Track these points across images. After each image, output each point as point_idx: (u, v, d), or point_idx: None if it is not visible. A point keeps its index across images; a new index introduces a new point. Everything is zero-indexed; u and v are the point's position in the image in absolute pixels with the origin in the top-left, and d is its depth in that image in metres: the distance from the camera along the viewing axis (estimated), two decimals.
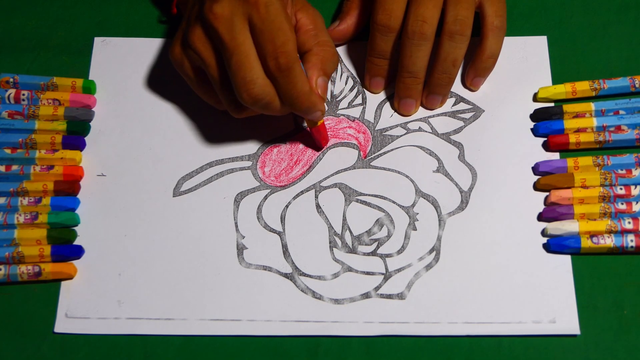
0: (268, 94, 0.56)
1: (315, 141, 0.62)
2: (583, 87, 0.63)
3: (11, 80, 0.65)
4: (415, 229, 0.59)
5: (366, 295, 0.57)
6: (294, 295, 0.57)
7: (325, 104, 0.60)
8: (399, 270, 0.58)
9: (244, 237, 0.60)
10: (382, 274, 0.58)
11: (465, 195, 0.60)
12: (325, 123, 0.64)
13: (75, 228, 0.60)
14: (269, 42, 0.55)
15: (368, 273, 0.58)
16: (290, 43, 0.55)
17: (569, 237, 0.58)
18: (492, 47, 0.62)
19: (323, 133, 0.61)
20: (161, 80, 0.66)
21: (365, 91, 0.65)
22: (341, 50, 0.67)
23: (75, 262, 0.59)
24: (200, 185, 0.61)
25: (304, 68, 0.58)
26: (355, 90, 0.65)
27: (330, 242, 0.59)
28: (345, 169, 0.62)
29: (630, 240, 0.57)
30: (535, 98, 0.64)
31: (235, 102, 0.58)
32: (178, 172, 0.62)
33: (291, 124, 0.64)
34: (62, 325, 0.57)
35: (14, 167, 0.61)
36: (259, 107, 0.57)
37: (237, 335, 0.56)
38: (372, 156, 0.62)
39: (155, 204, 0.61)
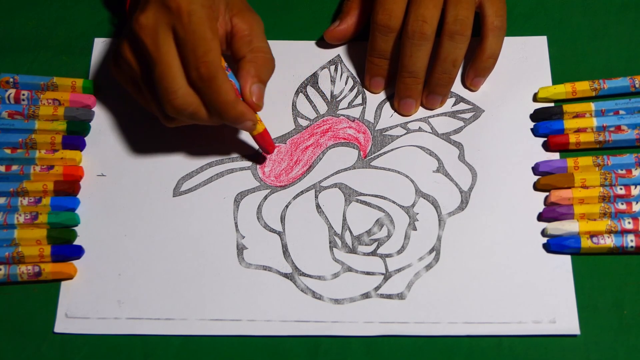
0: (191, 104, 0.56)
1: (260, 148, 0.62)
2: (583, 87, 0.63)
3: (11, 80, 0.65)
4: (415, 229, 0.59)
5: (366, 295, 0.57)
6: (294, 295, 0.58)
7: (258, 112, 0.59)
8: (399, 270, 0.58)
9: (244, 237, 0.60)
10: (382, 274, 0.58)
11: (465, 195, 0.60)
12: (326, 123, 0.64)
13: (75, 228, 0.60)
14: (190, 52, 0.54)
15: (368, 273, 0.58)
16: (212, 52, 0.55)
17: (569, 237, 0.58)
18: (492, 47, 0.62)
19: (267, 139, 0.60)
20: None
21: (365, 91, 0.65)
22: (341, 51, 0.67)
23: (75, 262, 0.59)
24: (200, 185, 0.62)
25: (238, 75, 0.58)
26: (355, 90, 0.65)
27: (330, 242, 0.59)
28: (345, 169, 0.62)
29: (630, 240, 0.57)
30: (535, 98, 0.64)
31: (165, 112, 0.58)
32: (178, 172, 0.62)
33: (291, 123, 0.64)
34: (62, 325, 0.57)
35: (14, 167, 0.61)
36: (185, 118, 0.57)
37: (237, 335, 0.56)
38: (372, 156, 0.62)
39: (155, 204, 0.61)
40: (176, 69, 0.55)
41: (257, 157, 0.63)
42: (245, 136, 0.63)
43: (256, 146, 0.63)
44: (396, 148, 0.63)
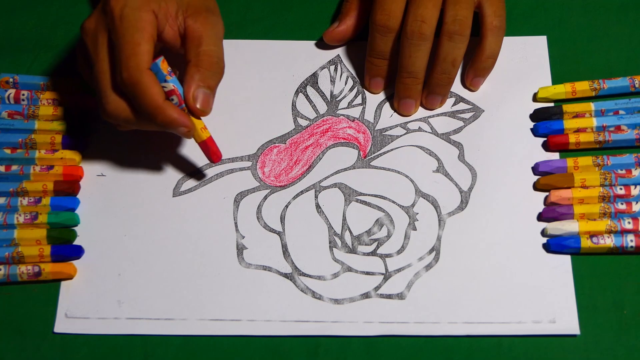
0: (122, 110, 0.55)
1: (205, 155, 0.60)
2: (583, 87, 0.63)
3: (11, 80, 0.65)
4: (415, 229, 0.59)
5: (366, 295, 0.57)
6: (294, 295, 0.58)
7: (199, 118, 0.58)
8: (398, 270, 0.58)
9: (243, 237, 0.60)
10: (382, 274, 0.58)
11: (465, 195, 0.60)
12: (326, 123, 0.64)
13: (75, 228, 0.60)
14: (117, 56, 0.54)
15: (368, 273, 0.58)
16: (137, 57, 0.53)
17: (568, 237, 0.58)
18: (492, 47, 0.62)
19: (211, 148, 0.58)
20: None
21: (365, 91, 0.65)
22: (341, 51, 0.67)
23: (75, 262, 0.59)
24: (200, 185, 0.62)
25: (183, 80, 0.56)
26: (355, 90, 0.65)
27: (330, 242, 0.59)
28: (345, 169, 0.62)
29: (630, 240, 0.57)
30: (535, 98, 0.64)
31: None
32: (178, 172, 0.62)
33: (291, 123, 0.64)
34: (62, 325, 0.57)
35: (14, 167, 0.61)
36: (121, 122, 0.57)
37: (237, 335, 0.56)
38: (372, 156, 0.62)
39: (155, 204, 0.61)
40: (107, 74, 0.55)
41: (257, 157, 0.63)
42: (245, 136, 0.63)
43: (257, 146, 0.63)
44: (396, 148, 0.63)
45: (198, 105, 0.56)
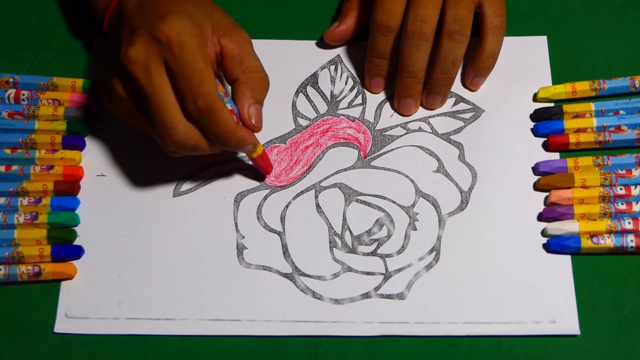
0: (192, 137, 0.55)
1: (259, 169, 0.61)
2: (583, 87, 0.63)
3: (11, 80, 0.65)
4: (415, 229, 0.59)
5: (366, 295, 0.57)
6: (294, 295, 0.58)
7: (258, 133, 0.58)
8: (399, 270, 0.58)
9: (244, 237, 0.60)
10: (382, 274, 0.58)
11: (465, 195, 0.60)
12: (326, 123, 0.64)
13: (75, 228, 0.60)
14: (185, 84, 0.53)
15: (368, 273, 0.58)
16: (207, 83, 0.53)
17: (569, 237, 0.58)
18: (492, 47, 0.62)
19: (266, 160, 0.60)
20: None
21: (365, 91, 0.65)
22: (341, 51, 0.67)
23: (75, 262, 0.59)
24: (200, 185, 0.62)
25: (235, 98, 0.57)
26: (355, 90, 0.65)
27: (330, 242, 0.59)
28: (345, 169, 0.62)
29: (630, 241, 0.57)
30: (535, 98, 0.64)
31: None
32: (178, 172, 0.62)
33: (291, 123, 0.64)
34: (62, 325, 0.57)
35: (14, 167, 0.61)
36: (186, 151, 0.56)
37: (237, 335, 0.56)
38: (372, 156, 0.62)
39: (155, 204, 0.61)
40: (172, 103, 0.54)
41: None
42: None
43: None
44: (396, 148, 0.63)
45: (253, 122, 0.57)
